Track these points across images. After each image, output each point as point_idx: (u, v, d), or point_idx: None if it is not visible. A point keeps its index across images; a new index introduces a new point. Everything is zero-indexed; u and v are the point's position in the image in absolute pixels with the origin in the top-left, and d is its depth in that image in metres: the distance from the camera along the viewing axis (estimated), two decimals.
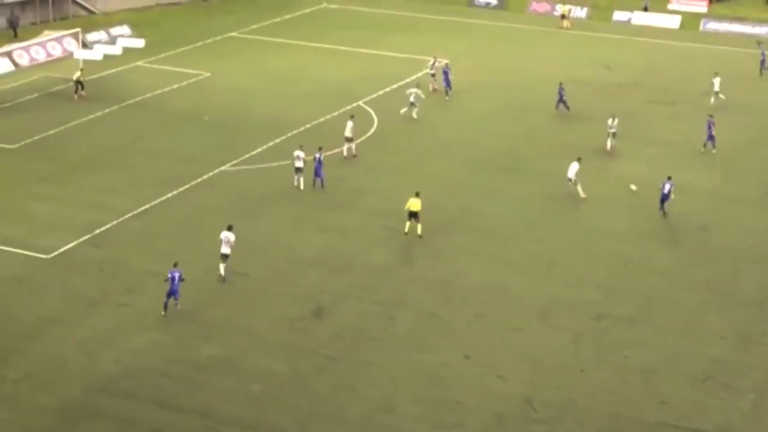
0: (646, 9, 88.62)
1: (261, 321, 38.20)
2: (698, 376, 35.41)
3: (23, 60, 71.35)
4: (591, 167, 53.22)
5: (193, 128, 58.69)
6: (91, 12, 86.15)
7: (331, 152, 54.37)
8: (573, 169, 50.03)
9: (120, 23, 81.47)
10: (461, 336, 37.53)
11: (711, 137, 56.24)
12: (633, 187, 49.58)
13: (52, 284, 40.78)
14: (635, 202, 49.43)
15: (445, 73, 64.44)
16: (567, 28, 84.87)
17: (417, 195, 45.49)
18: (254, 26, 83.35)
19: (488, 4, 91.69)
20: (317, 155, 50.35)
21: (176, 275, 38.34)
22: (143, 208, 47.85)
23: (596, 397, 34.11)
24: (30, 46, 72.25)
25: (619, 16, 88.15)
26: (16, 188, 50.06)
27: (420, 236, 45.32)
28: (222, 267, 41.31)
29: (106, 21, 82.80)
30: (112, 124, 59.51)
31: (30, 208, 47.87)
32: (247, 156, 54.32)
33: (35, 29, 77.97)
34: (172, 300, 38.61)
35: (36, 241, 44.05)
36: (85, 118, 60.00)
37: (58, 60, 72.11)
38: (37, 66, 71.04)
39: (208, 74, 69.10)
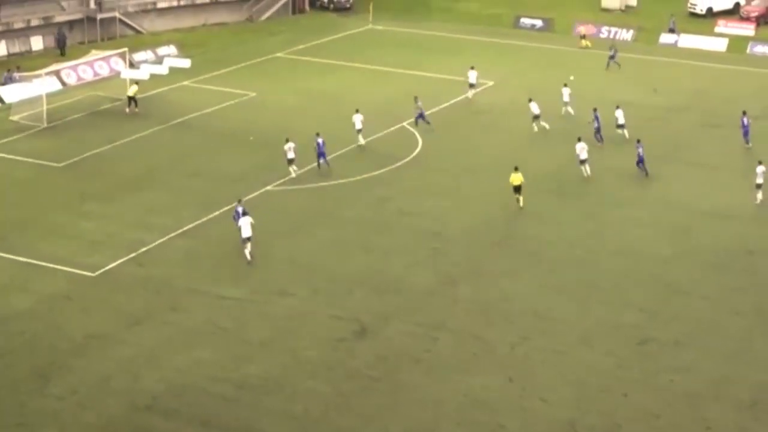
0: (672, 31, 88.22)
1: (304, 341, 38.31)
2: (745, 401, 35.09)
3: (71, 79, 72.11)
4: (634, 190, 53.14)
5: (238, 148, 59.02)
6: (138, 32, 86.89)
7: (380, 171, 54.58)
8: (581, 148, 54.05)
9: (167, 43, 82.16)
10: (505, 359, 37.45)
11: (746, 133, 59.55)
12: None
13: (97, 302, 41.16)
14: (679, 225, 49.19)
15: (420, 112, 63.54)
16: (586, 47, 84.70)
17: (516, 169, 50.42)
18: (300, 47, 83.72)
19: (533, 26, 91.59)
20: (318, 140, 54.31)
21: (240, 210, 45.05)
22: (188, 227, 48.17)
23: (641, 422, 33.89)
24: (77, 65, 72.95)
25: (665, 38, 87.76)
26: (62, 206, 50.57)
27: (521, 207, 50.18)
28: (247, 251, 44.21)
29: (152, 41, 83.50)
30: (158, 143, 59.98)
31: (76, 226, 48.35)
32: (291, 176, 54.50)
33: (83, 49, 78.71)
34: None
35: (82, 259, 44.48)
36: (131, 137, 60.49)
37: (105, 79, 72.77)
38: (84, 85, 71.75)
39: (253, 94, 69.49)
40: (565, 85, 65.75)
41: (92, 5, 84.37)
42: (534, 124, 62.42)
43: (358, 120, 59.06)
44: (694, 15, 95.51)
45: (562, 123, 63.65)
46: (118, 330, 38.86)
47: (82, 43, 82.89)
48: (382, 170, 55.33)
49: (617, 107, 62.03)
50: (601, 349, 38.08)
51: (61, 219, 49.12)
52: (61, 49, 79.82)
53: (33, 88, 66.46)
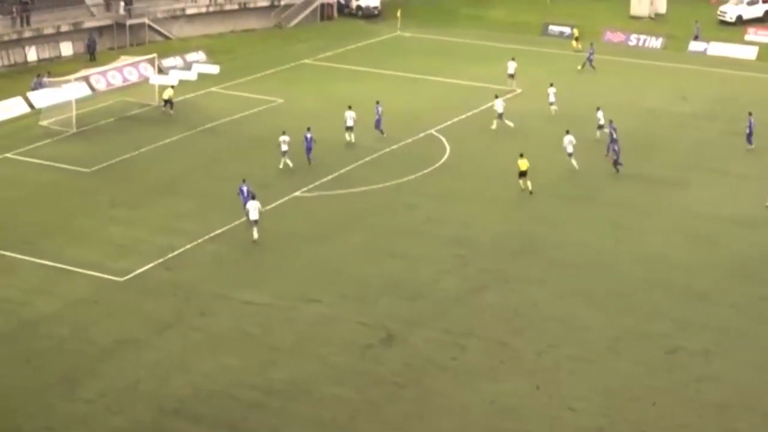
0: (696, 38, 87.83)
1: (331, 347, 38.31)
2: None
3: (100, 84, 72.44)
4: (660, 198, 52.94)
5: (267, 154, 59.07)
6: (167, 38, 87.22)
7: (408, 178, 54.64)
8: (568, 141, 55.67)
9: (195, 49, 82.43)
10: (532, 366, 37.33)
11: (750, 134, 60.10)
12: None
13: (125, 307, 41.31)
14: (705, 233, 48.96)
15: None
16: (577, 50, 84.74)
17: (522, 156, 52.92)
18: (328, 53, 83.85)
19: (562, 33, 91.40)
20: (307, 135, 56.56)
21: (245, 188, 48.00)
22: (216, 232, 48.27)
23: (669, 431, 33.69)
24: (107, 70, 73.29)
25: (694, 46, 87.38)
26: (91, 211, 50.78)
27: (531, 192, 52.42)
28: (255, 231, 46.62)
29: (181, 47, 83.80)
30: (187, 148, 60.17)
31: (105, 231, 48.54)
32: (319, 182, 54.59)
33: (112, 54, 79.12)
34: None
35: (110, 264, 44.65)
36: (159, 143, 60.70)
37: (134, 85, 73.10)
38: (113, 90, 72.06)
39: (281, 101, 69.60)
40: (551, 85, 66.44)
41: (121, 11, 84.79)
42: (495, 121, 63.49)
43: (349, 117, 60.31)
44: (723, 23, 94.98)
45: (588, 130, 63.45)
46: (146, 335, 38.99)
47: (111, 48, 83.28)
48: (409, 177, 55.33)
49: (598, 108, 62.54)
50: (629, 358, 37.90)
51: (90, 224, 49.33)
52: (92, 55, 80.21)
53: (62, 94, 66.84)
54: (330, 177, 55.29)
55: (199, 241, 47.31)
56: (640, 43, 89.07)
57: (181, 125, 63.88)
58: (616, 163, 56.28)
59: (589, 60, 79.37)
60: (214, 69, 75.13)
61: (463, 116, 65.95)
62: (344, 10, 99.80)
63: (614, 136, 58.35)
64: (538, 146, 59.59)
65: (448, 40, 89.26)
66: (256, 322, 40.01)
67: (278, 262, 45.36)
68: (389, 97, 69.32)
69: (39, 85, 69.97)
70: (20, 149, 59.76)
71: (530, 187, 52.87)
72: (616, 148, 57.36)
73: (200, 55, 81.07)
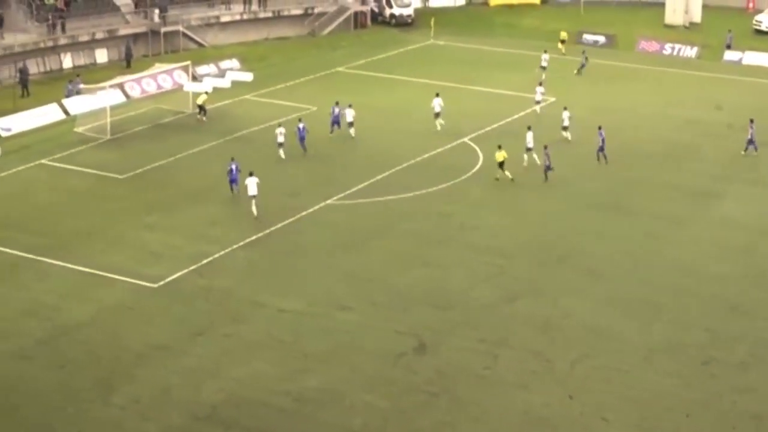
0: (729, 47, 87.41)
1: (363, 355, 38.31)
2: None
3: (134, 92, 72.85)
4: (694, 208, 52.68)
5: (299, 161, 59.22)
6: (201, 45, 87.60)
7: (442, 186, 54.65)
8: (529, 137, 57.38)
9: (229, 57, 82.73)
10: (565, 376, 37.18)
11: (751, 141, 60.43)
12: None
13: (158, 313, 41.49)
14: (740, 244, 48.67)
15: (337, 116, 64.00)
16: (562, 54, 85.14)
17: (500, 147, 55.41)
18: (361, 61, 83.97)
19: (596, 42, 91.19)
20: (300, 125, 59.75)
21: (234, 167, 52.11)
22: (249, 239, 48.40)
23: None
24: (141, 78, 73.71)
25: (730, 55, 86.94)
26: (125, 218, 51.04)
27: (512, 179, 55.00)
28: (254, 207, 50.27)
29: (215, 54, 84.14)
30: (220, 156, 60.16)
31: (139, 237, 48.78)
32: (351, 190, 54.64)
33: (146, 62, 79.54)
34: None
35: (144, 270, 44.84)
36: (193, 150, 60.95)
37: (168, 92, 73.46)
38: (147, 98, 72.48)
39: (314, 108, 69.69)
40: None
41: (156, 19, 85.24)
42: (437, 122, 64.69)
43: (349, 114, 62.80)
44: (759, 32, 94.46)
45: (622, 140, 63.26)
46: (179, 341, 39.13)
47: (145, 56, 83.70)
48: (443, 185, 55.32)
49: (564, 108, 63.13)
50: (664, 369, 37.69)
51: (124, 230, 49.58)
52: (128, 62, 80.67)
53: (97, 100, 67.21)
54: (362, 185, 55.33)
55: (232, 248, 47.45)
56: (675, 52, 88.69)
57: (214, 133, 64.08)
58: (547, 168, 56.00)
59: (582, 65, 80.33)
60: (247, 76, 75.34)
61: (497, 125, 65.83)
62: (378, 19, 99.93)
63: (602, 144, 58.37)
64: (571, 156, 59.36)
65: (482, 49, 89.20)
66: (288, 329, 40.07)
67: (311, 270, 45.42)
68: (422, 106, 69.30)
69: (73, 89, 70.31)
70: (55, 155, 60.19)
71: (510, 176, 55.19)
72: (602, 152, 58.46)
73: (234, 63, 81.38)
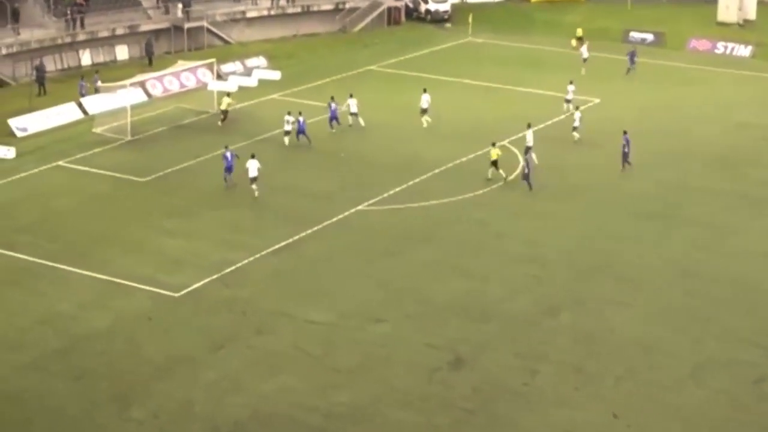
0: None
1: (396, 370, 38.40)
2: None
3: (156, 90, 73.32)
4: (745, 218, 52.50)
5: (328, 165, 59.45)
6: (226, 42, 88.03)
7: (478, 192, 54.73)
8: (529, 136, 58.21)
9: (256, 54, 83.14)
10: (609, 393, 37.15)
11: None
12: None
13: (180, 323, 41.74)
14: None
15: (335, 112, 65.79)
16: (577, 48, 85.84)
17: (494, 145, 56.50)
18: (394, 60, 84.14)
19: (644, 40, 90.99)
20: (300, 119, 62.09)
21: (229, 155, 54.81)
22: (275, 247, 48.61)
23: None
24: (163, 76, 74.12)
25: None
26: (146, 222, 51.38)
27: (506, 179, 55.83)
28: (255, 189, 53.69)
29: (241, 52, 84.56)
30: (245, 159, 60.45)
31: (159, 243, 49.09)
32: (384, 195, 54.80)
33: (169, 59, 79.95)
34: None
35: (165, 278, 45.13)
36: (217, 152, 60.88)
37: (192, 91, 73.88)
38: (170, 97, 72.92)
39: (344, 108, 69.85)
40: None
41: (179, 14, 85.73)
42: (423, 119, 66.09)
43: (353, 104, 65.72)
44: None
45: (670, 143, 63.11)
46: (201, 353, 39.35)
47: (168, 53, 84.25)
48: (480, 191, 55.39)
49: (576, 108, 64.83)
50: (714, 386, 37.59)
51: (144, 236, 49.92)
52: (149, 59, 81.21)
53: (117, 100, 67.71)
54: (396, 190, 55.47)
55: (258, 255, 47.68)
56: (728, 51, 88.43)
57: (240, 133, 64.35)
58: (525, 176, 55.83)
59: (632, 62, 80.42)
60: (275, 75, 75.69)
61: (537, 127, 65.70)
62: (413, 15, 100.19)
63: (625, 149, 58.15)
64: (615, 162, 59.22)
65: (522, 47, 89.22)
66: (317, 342, 40.21)
67: (341, 279, 45.58)
68: (459, 107, 69.54)
69: (85, 86, 70.72)
70: (73, 157, 60.68)
71: (504, 175, 56.04)
72: (628, 160, 58.17)
73: (261, 61, 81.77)
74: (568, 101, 69.17)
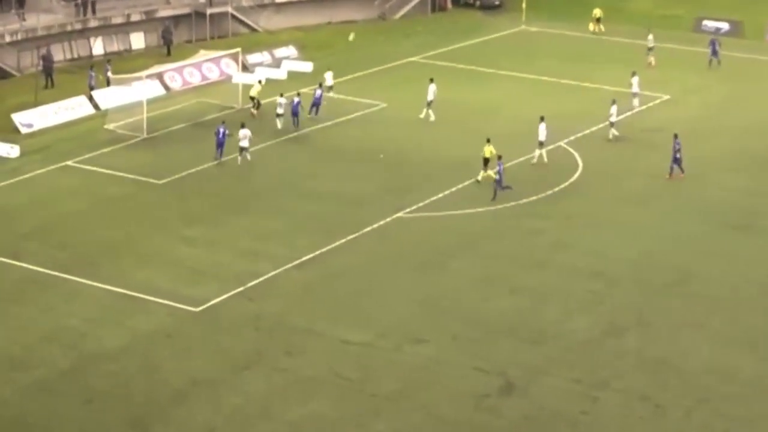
0: None
1: (440, 396, 38.34)
2: None
3: (175, 83, 73.65)
4: None
5: (366, 167, 59.49)
6: (253, 30, 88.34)
7: (532, 198, 54.66)
8: (542, 130, 59.42)
9: (285, 43, 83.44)
10: (679, 426, 36.96)
11: None
12: None
13: (200, 341, 41.83)
14: None
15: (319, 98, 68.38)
16: (598, 33, 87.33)
17: (488, 141, 57.02)
18: (439, 50, 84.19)
19: (719, 29, 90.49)
20: (295, 99, 65.29)
21: (221, 129, 59.21)
22: (305, 257, 48.69)
23: None
24: (183, 67, 74.44)
25: None
26: (162, 230, 51.59)
27: (478, 181, 56.43)
28: (239, 158, 58.78)
29: (269, 41, 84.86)
30: (273, 159, 60.79)
31: (178, 252, 49.27)
32: (427, 201, 54.83)
33: (189, 48, 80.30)
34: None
35: (184, 292, 45.27)
36: None
37: (214, 84, 74.17)
38: (190, 90, 73.23)
39: (384, 105, 70.02)
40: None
41: None
42: (427, 111, 67.42)
43: (329, 77, 70.96)
44: None
45: (752, 146, 62.76)
46: (224, 375, 39.40)
47: (188, 41, 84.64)
48: (534, 197, 55.30)
49: (613, 101, 64.13)
50: None
51: (161, 244, 50.11)
52: (168, 48, 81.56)
53: (132, 93, 68.12)
54: (439, 195, 55.49)
55: (286, 267, 47.77)
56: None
57: (266, 132, 64.55)
58: (503, 186, 55.11)
59: (715, 53, 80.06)
60: (306, 67, 75.92)
61: (599, 126, 65.60)
62: (460, 0, 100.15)
63: (676, 154, 57.66)
64: (690, 165, 58.91)
65: (582, 36, 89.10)
66: (352, 364, 40.19)
67: (379, 294, 45.58)
68: (511, 103, 69.40)
69: (95, 77, 71.11)
70: (83, 156, 61.04)
71: (493, 174, 55.70)
72: (678, 165, 57.72)
73: (291, 51, 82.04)
74: (635, 95, 68.98)
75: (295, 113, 64.92)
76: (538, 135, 59.52)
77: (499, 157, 55.53)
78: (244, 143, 58.83)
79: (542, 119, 59.91)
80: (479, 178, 56.83)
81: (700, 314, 44.35)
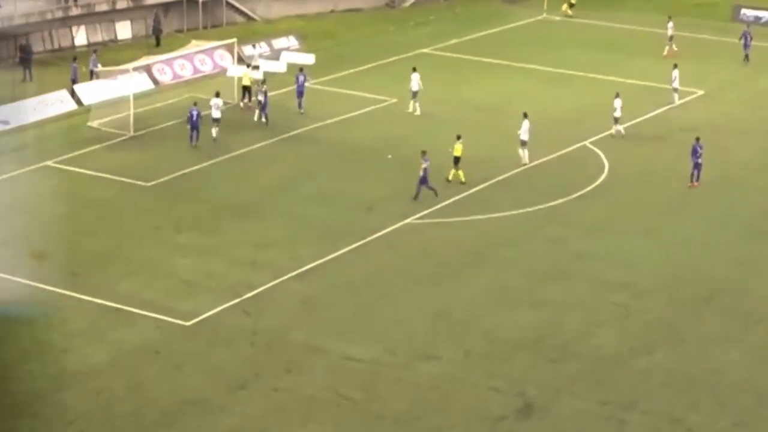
0: None
1: (452, 418, 38.47)
2: None
3: (165, 76, 73.78)
4: None
5: (373, 169, 59.61)
6: (250, 18, 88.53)
7: (553, 203, 54.82)
8: (524, 128, 59.55)
9: (285, 33, 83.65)
10: None
11: None
12: None
13: (192, 358, 41.94)
14: None
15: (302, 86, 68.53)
16: (569, 16, 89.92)
17: (459, 138, 57.59)
18: (453, 41, 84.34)
19: (758, 19, 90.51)
20: (263, 88, 65.73)
21: (194, 111, 60.70)
22: (306, 267, 48.85)
23: None
24: (174, 59, 74.53)
25: None
26: (151, 236, 51.76)
27: (463, 183, 56.96)
28: (214, 130, 61.73)
29: (268, 30, 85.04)
30: (271, 160, 60.93)
31: (168, 261, 49.41)
32: (438, 206, 55.00)
33: (180, 38, 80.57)
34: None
35: (174, 304, 45.42)
36: (237, 152, 61.58)
37: (208, 77, 74.27)
38: (181, 84, 73.36)
39: (393, 100, 70.16)
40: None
41: None
42: (414, 104, 68.65)
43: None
44: None
45: None
46: (217, 394, 39.51)
47: (179, 31, 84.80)
48: (555, 202, 55.43)
49: (617, 95, 64.28)
50: None
51: (149, 252, 50.26)
52: (157, 38, 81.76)
53: (118, 87, 68.12)
54: (452, 199, 55.66)
55: (286, 277, 47.93)
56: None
57: (264, 130, 64.75)
58: (422, 182, 55.35)
59: (746, 46, 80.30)
60: (308, 59, 75.90)
61: (628, 124, 65.71)
62: None
63: (699, 159, 57.65)
64: (725, 166, 59.18)
65: (609, 26, 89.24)
66: (357, 383, 40.33)
67: (386, 307, 45.73)
68: (532, 99, 69.46)
69: (78, 69, 71.28)
70: (64, 156, 61.13)
71: (462, 178, 57.15)
72: (697, 171, 57.70)
73: (291, 41, 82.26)
74: (675, 90, 69.12)
75: (263, 108, 65.74)
76: (519, 134, 59.78)
77: (423, 153, 55.59)
78: (216, 114, 61.41)
79: (525, 116, 60.02)
80: (449, 177, 57.27)
81: (736, 329, 44.52)
